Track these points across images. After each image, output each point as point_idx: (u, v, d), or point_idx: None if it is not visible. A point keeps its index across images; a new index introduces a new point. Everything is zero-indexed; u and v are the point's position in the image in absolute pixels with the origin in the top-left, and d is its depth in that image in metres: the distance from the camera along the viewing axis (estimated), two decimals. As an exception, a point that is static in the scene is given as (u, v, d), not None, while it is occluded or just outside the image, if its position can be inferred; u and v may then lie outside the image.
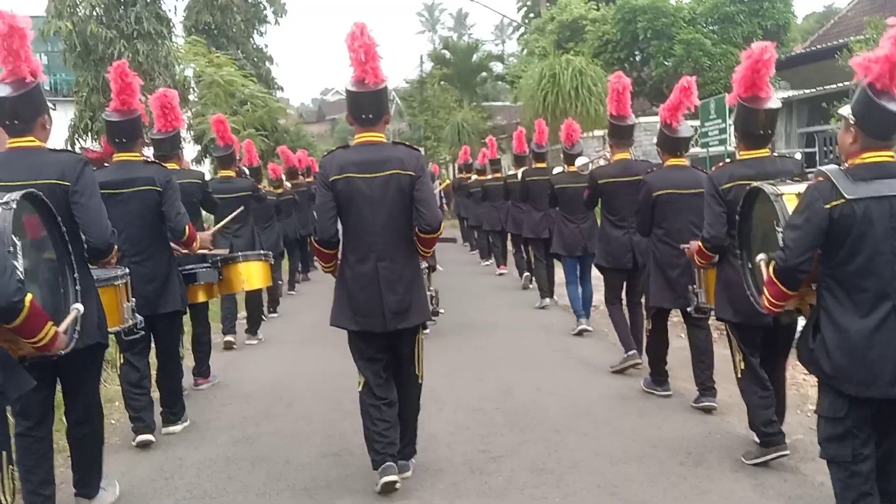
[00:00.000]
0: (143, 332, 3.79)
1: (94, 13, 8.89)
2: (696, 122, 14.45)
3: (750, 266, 3.14)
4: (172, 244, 4.19)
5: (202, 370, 5.41)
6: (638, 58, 21.38)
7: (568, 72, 15.79)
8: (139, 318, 3.62)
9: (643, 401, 4.78)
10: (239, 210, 5.67)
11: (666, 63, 19.50)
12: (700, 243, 3.60)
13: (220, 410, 4.86)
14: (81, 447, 3.21)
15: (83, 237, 3.01)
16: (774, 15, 20.13)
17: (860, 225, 2.42)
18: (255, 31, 18.75)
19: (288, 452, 4.08)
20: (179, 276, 4.27)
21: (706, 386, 4.43)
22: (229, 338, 6.67)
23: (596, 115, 15.14)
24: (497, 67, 28.31)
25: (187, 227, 4.09)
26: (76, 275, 2.76)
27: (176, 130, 5.03)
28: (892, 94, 2.45)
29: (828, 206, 2.46)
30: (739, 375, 3.61)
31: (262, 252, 5.47)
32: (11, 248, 2.28)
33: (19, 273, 2.32)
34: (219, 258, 4.95)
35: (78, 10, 8.77)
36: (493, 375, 5.50)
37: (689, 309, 4.04)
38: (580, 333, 6.70)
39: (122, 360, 4.18)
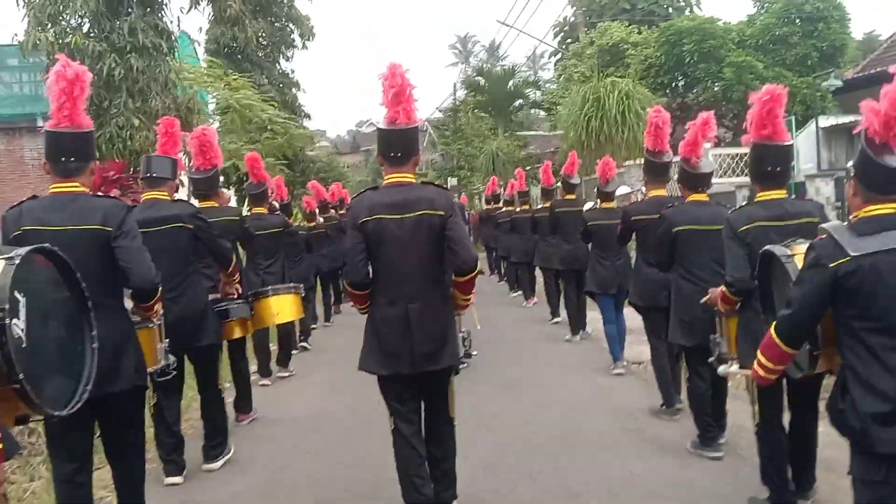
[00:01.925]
0: (175, 373, 3.85)
1: (81, 23, 7.69)
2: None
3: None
4: (223, 274, 4.39)
5: (243, 406, 5.45)
6: (682, 82, 20.40)
7: (614, 95, 15.01)
8: (172, 359, 3.70)
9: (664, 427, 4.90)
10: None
11: (714, 87, 18.48)
12: (724, 289, 3.56)
13: (252, 447, 4.88)
14: (123, 487, 3.25)
15: (129, 280, 3.10)
16: (830, 36, 19.10)
17: (869, 280, 2.40)
18: (280, 56, 18.18)
19: (320, 492, 4.11)
20: (213, 311, 4.40)
21: (708, 435, 4.46)
22: (265, 381, 6.80)
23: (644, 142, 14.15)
24: (533, 95, 27.49)
25: (234, 256, 4.29)
26: (94, 332, 2.75)
27: (215, 168, 5.12)
28: (891, 148, 2.43)
29: (832, 265, 2.44)
30: (756, 427, 3.60)
31: (292, 285, 5.55)
32: (9, 305, 2.27)
33: (19, 332, 2.32)
34: (250, 293, 5.08)
35: (61, 18, 7.55)
36: (526, 418, 5.47)
37: (710, 360, 3.94)
38: (610, 371, 6.71)
39: (154, 401, 4.22)
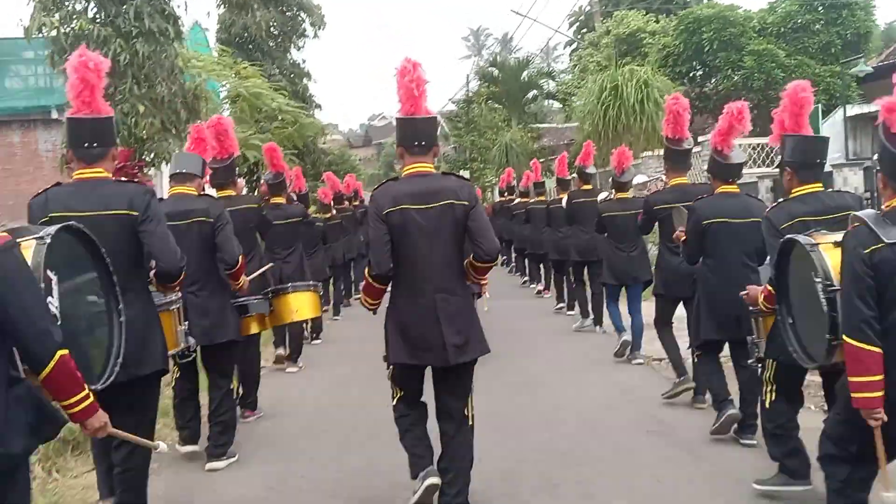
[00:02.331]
0: (194, 355, 3.93)
1: (86, 7, 7.51)
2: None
3: (790, 321, 3.15)
4: (226, 273, 4.37)
5: (249, 401, 5.41)
6: (700, 71, 20.01)
7: (632, 83, 14.67)
8: (192, 340, 3.79)
9: (687, 430, 4.77)
10: (269, 266, 5.68)
11: (734, 76, 18.07)
12: (770, 286, 3.44)
13: (258, 449, 4.74)
14: (125, 475, 3.22)
15: (154, 263, 3.17)
16: (854, 24, 18.59)
17: None
18: (291, 45, 17.94)
19: (329, 490, 4.02)
20: (233, 307, 4.45)
21: (747, 423, 4.39)
22: (280, 350, 6.89)
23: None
24: (547, 85, 27.12)
25: (240, 258, 4.32)
26: (121, 306, 2.82)
27: (231, 157, 5.18)
28: None
29: (866, 251, 2.50)
30: (768, 406, 3.65)
31: (311, 283, 5.57)
32: (44, 284, 2.34)
33: (54, 310, 2.37)
34: (269, 289, 5.15)
35: (66, 2, 7.40)
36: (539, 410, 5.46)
37: (749, 361, 3.94)
38: (628, 360, 6.70)
39: (177, 374, 4.38)
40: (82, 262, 2.70)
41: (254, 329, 4.92)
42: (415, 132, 3.38)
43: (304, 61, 18.75)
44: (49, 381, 2.21)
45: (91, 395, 2.37)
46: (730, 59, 18.18)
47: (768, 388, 3.59)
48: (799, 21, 18.42)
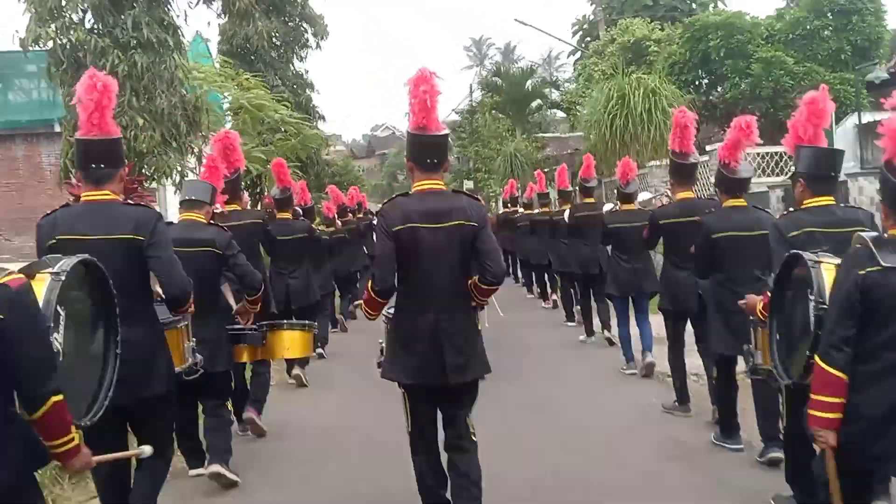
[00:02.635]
0: (203, 370, 3.95)
1: (83, 18, 7.26)
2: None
3: (777, 336, 3.16)
4: (247, 299, 4.45)
5: (256, 401, 5.38)
6: (706, 80, 19.79)
7: (639, 92, 14.44)
8: (199, 357, 3.80)
9: (709, 453, 4.67)
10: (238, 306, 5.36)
11: (741, 84, 17.85)
12: (770, 295, 3.41)
13: (262, 473, 4.66)
14: (140, 488, 3.30)
15: (163, 289, 3.21)
16: (865, 30, 18.37)
17: (894, 295, 2.43)
18: (294, 56, 17.75)
19: None
20: (227, 336, 4.46)
21: (770, 436, 4.25)
22: (296, 370, 6.84)
23: (674, 141, 13.48)
24: (551, 95, 26.93)
25: (263, 283, 4.39)
26: (119, 338, 2.81)
27: (237, 172, 5.21)
28: None
29: (861, 272, 2.47)
30: (784, 426, 3.57)
31: (307, 323, 5.48)
32: (52, 324, 2.35)
33: (58, 346, 2.39)
34: (265, 323, 5.10)
35: (63, 12, 7.14)
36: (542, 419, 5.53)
37: (744, 371, 3.96)
38: (648, 370, 6.69)
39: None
40: (88, 294, 2.70)
41: (244, 358, 4.90)
42: (427, 149, 3.35)
43: (306, 72, 18.55)
44: (39, 423, 2.24)
45: (76, 436, 2.38)
46: (737, 66, 17.96)
47: (785, 406, 3.47)
48: (808, 27, 18.21)
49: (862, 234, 2.59)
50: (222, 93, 9.85)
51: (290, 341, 5.24)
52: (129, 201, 3.48)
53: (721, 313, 4.41)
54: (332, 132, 28.32)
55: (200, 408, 4.50)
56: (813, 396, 2.58)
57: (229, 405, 4.65)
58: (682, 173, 5.31)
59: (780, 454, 3.97)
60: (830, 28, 18.08)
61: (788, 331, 3.07)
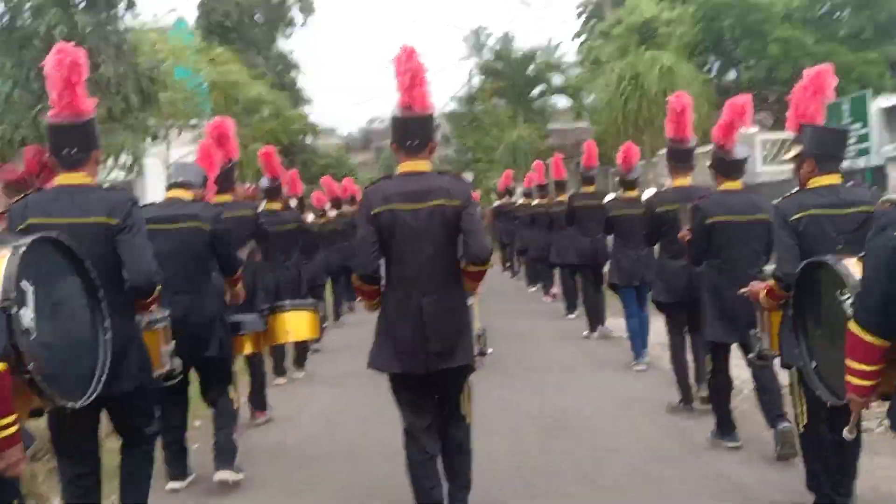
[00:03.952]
0: (181, 376, 3.88)
1: None
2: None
3: (814, 364, 3.03)
4: (226, 281, 4.32)
5: (258, 400, 5.47)
6: (717, 63, 18.92)
7: (654, 72, 13.50)
8: (178, 362, 3.68)
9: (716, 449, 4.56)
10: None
11: (758, 66, 16.99)
12: (772, 283, 3.40)
13: (259, 469, 4.57)
14: (128, 486, 3.31)
15: (127, 276, 3.11)
16: (887, 7, 17.45)
17: None
18: (278, 34, 16.80)
19: None
20: (226, 322, 4.31)
21: (775, 415, 4.22)
22: (280, 381, 6.74)
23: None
24: (556, 80, 25.96)
25: (240, 265, 4.34)
26: (107, 323, 2.79)
27: (231, 162, 5.15)
28: None
29: None
30: (802, 430, 3.43)
31: (311, 301, 5.41)
32: (12, 296, 2.30)
33: (29, 323, 2.38)
34: (265, 307, 5.06)
35: None
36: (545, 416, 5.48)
37: (750, 356, 3.91)
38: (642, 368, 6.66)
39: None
40: (65, 275, 2.67)
41: (248, 349, 4.80)
42: (408, 131, 3.34)
43: (292, 52, 17.64)
44: None
45: (16, 425, 2.30)
46: (753, 47, 17.12)
47: (801, 410, 3.37)
48: (827, 5, 17.36)
49: (892, 196, 2.44)
50: (190, 67, 8.95)
51: (293, 323, 5.07)
52: (105, 185, 3.41)
53: (717, 300, 4.37)
54: (327, 125, 27.60)
55: (189, 406, 4.35)
56: (849, 363, 2.47)
57: (233, 394, 4.39)
58: (680, 158, 5.27)
59: (789, 425, 3.96)
60: (851, 5, 17.26)
61: (826, 348, 2.92)
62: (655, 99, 13.86)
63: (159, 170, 9.16)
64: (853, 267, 2.68)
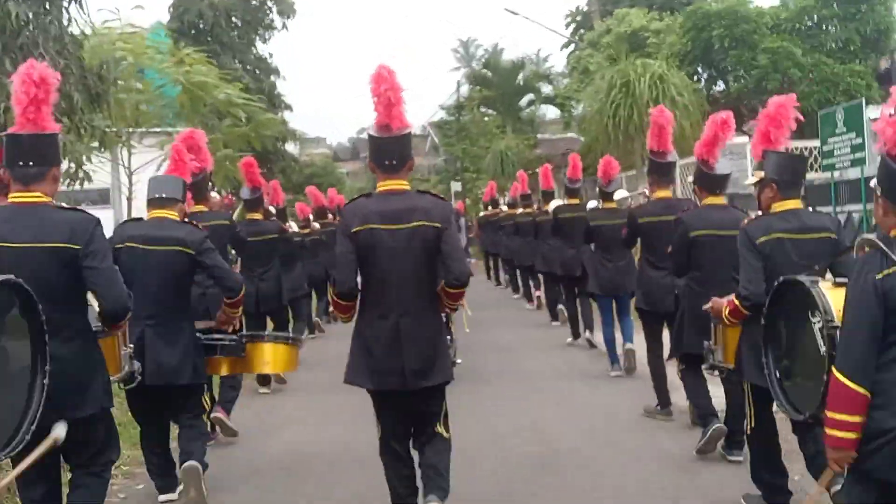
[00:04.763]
0: (140, 378, 3.76)
1: None
2: (809, 142, 11.80)
3: (777, 376, 3.12)
4: (225, 303, 4.29)
5: (227, 402, 5.30)
6: (705, 74, 18.84)
7: (645, 79, 13.29)
8: (137, 365, 3.65)
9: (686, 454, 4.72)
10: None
11: (747, 76, 16.93)
12: (736, 301, 3.52)
13: (233, 480, 4.59)
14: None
15: (100, 303, 3.07)
16: (874, 19, 17.52)
17: None
18: (257, 38, 16.40)
19: None
20: (199, 346, 4.22)
21: (734, 439, 4.38)
22: (264, 390, 6.70)
23: (681, 134, 11.97)
24: (544, 89, 25.76)
25: (243, 286, 4.26)
26: (47, 367, 2.71)
27: (204, 172, 5.18)
28: None
29: (879, 275, 2.35)
30: (749, 432, 3.68)
31: (291, 336, 5.30)
32: None
33: None
34: (245, 333, 5.03)
35: None
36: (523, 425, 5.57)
37: (703, 367, 4.07)
38: (628, 359, 6.80)
39: (141, 427, 4.26)
40: (11, 314, 2.62)
41: (223, 370, 4.75)
42: (385, 150, 3.36)
43: (270, 55, 17.23)
44: None
45: None
46: (742, 57, 17.00)
47: (751, 413, 3.60)
48: (815, 17, 17.30)
49: (868, 236, 2.49)
50: (161, 71, 8.59)
51: (272, 355, 4.93)
52: (64, 205, 3.22)
53: (695, 314, 4.42)
54: (316, 135, 27.28)
55: (170, 423, 4.31)
56: (830, 415, 2.42)
57: (205, 417, 4.46)
58: (660, 171, 5.43)
59: (739, 458, 4.29)
60: (838, 17, 17.21)
61: (792, 363, 3.04)
62: (647, 107, 13.63)
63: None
64: (828, 291, 2.76)
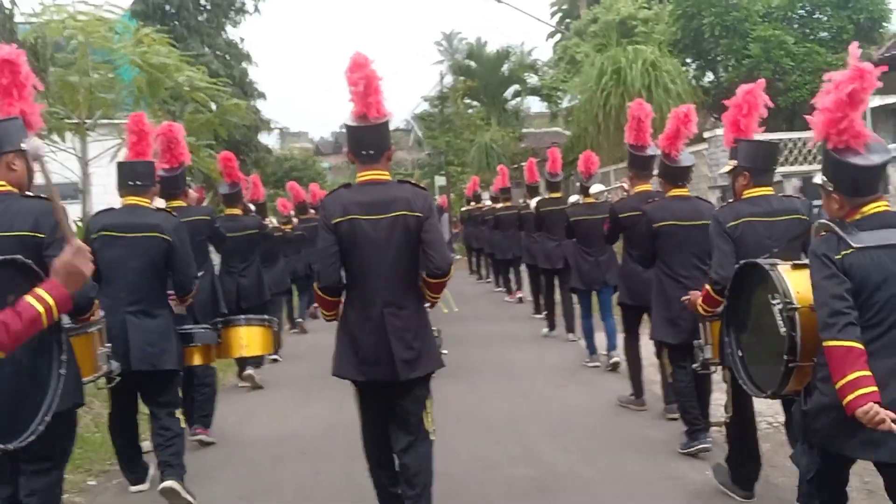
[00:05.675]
0: (119, 378, 3.73)
1: None
2: (802, 134, 11.40)
3: (740, 354, 3.21)
4: (171, 297, 4.23)
5: (203, 416, 5.17)
6: (694, 64, 18.44)
7: (637, 65, 12.78)
8: (115, 364, 3.61)
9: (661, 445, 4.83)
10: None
11: (739, 66, 16.57)
12: (708, 287, 3.63)
13: (220, 472, 4.61)
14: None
15: None
16: (867, 7, 17.16)
17: (874, 274, 2.48)
18: (227, 22, 15.70)
19: None
20: (178, 333, 4.23)
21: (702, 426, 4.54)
22: (249, 370, 6.74)
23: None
24: (530, 80, 25.24)
25: (195, 284, 4.26)
26: (63, 357, 2.71)
27: (182, 166, 5.15)
28: (853, 149, 2.56)
29: (838, 256, 2.51)
30: (727, 420, 3.83)
31: (265, 318, 5.35)
32: None
33: None
34: (219, 320, 5.04)
35: None
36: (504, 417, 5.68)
37: (694, 365, 4.03)
38: (613, 368, 6.82)
39: (110, 409, 4.32)
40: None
41: (196, 360, 4.64)
42: (363, 140, 3.35)
43: (241, 40, 16.54)
44: None
45: None
46: (733, 46, 16.60)
47: (728, 401, 3.73)
48: (806, 5, 16.95)
49: (823, 221, 2.62)
50: (114, 52, 7.94)
51: (248, 338, 5.06)
52: (29, 193, 3.11)
53: (663, 302, 4.58)
54: (298, 129, 26.64)
55: (143, 412, 4.27)
56: (839, 384, 2.43)
57: (179, 413, 4.31)
58: (641, 165, 5.44)
59: (707, 445, 4.44)
60: (830, 5, 16.86)
61: (753, 344, 3.12)
62: (639, 95, 13.20)
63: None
64: (786, 274, 2.83)
